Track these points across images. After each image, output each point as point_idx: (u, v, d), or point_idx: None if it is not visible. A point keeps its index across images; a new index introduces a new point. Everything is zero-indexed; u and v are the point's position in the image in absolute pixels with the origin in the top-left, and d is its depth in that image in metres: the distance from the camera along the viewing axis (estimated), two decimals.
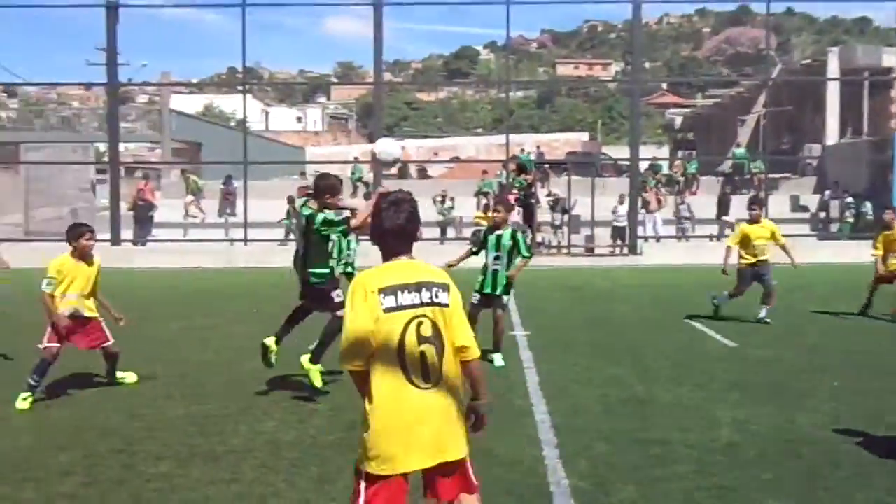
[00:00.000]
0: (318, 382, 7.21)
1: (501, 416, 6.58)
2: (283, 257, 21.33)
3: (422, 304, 3.28)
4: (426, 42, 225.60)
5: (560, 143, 49.77)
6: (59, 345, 7.19)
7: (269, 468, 5.39)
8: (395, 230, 3.39)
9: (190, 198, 28.99)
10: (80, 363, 8.68)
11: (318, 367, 7.22)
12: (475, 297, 8.70)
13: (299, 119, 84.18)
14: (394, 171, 35.95)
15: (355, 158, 35.58)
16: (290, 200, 22.22)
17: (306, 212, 7.32)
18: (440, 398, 3.24)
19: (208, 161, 38.47)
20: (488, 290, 8.79)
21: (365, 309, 3.20)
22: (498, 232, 8.82)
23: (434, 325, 3.29)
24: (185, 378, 8.19)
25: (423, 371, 3.23)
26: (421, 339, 3.24)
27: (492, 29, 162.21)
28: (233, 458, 5.59)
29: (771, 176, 29.11)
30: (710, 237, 25.75)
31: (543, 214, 24.86)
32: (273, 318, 12.07)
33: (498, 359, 8.67)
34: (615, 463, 5.47)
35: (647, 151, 34.41)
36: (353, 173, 32.67)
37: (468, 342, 3.35)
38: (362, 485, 3.19)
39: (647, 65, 75.25)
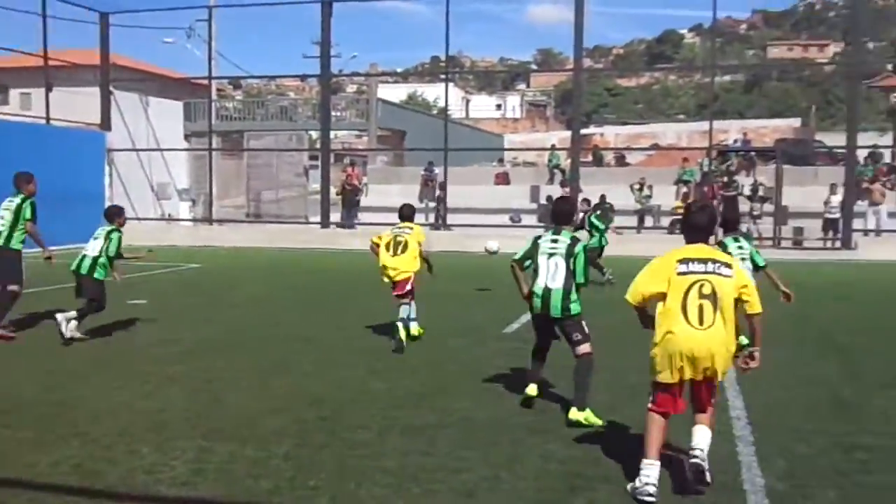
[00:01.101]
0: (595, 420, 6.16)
1: None
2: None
3: (705, 273, 4.77)
4: (629, 26, 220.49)
5: (769, 130, 47.23)
6: None
7: (463, 444, 5.60)
8: (696, 226, 5.00)
9: None
10: (290, 334, 9.38)
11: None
12: None
13: (499, 106, 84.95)
14: (590, 158, 35.64)
15: (552, 146, 35.52)
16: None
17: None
18: (709, 337, 4.66)
19: (411, 148, 39.73)
20: None
21: (660, 269, 4.87)
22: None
23: (713, 288, 4.72)
24: (389, 354, 8.60)
25: (699, 317, 4.68)
26: (701, 296, 4.71)
27: (699, 10, 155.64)
28: (429, 432, 5.86)
29: None
30: None
31: (744, 204, 23.80)
32: (472, 299, 12.37)
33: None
34: (815, 466, 5.23)
35: (866, 139, 31.93)
36: (549, 160, 32.69)
37: (751, 300, 4.93)
38: (659, 389, 4.78)
39: (870, 45, 69.69)
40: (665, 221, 25.51)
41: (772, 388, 7.11)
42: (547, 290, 6.37)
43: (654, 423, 4.76)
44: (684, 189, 26.65)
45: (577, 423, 6.01)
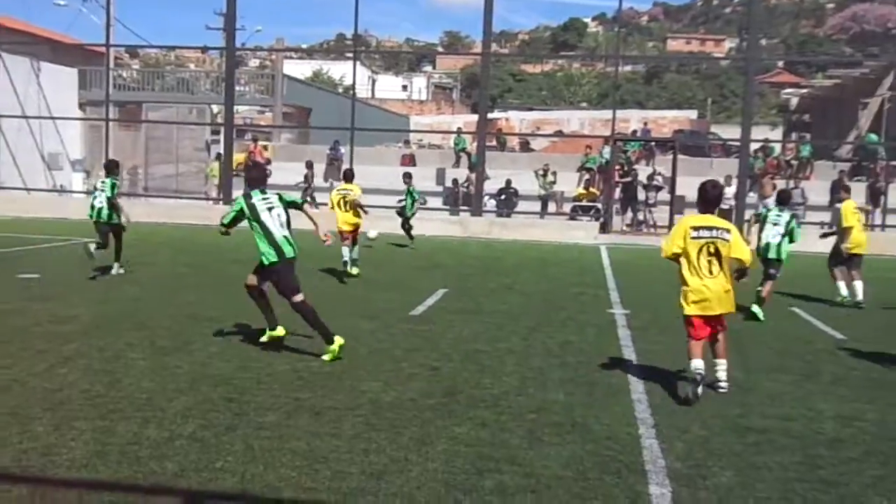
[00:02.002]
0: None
1: (598, 393, 6.65)
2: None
3: (710, 238, 6.67)
4: (535, 12, 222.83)
5: (667, 121, 48.63)
6: None
7: (371, 426, 5.60)
8: (710, 200, 6.88)
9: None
10: (193, 313, 9.17)
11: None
12: None
13: (405, 87, 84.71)
14: (493, 142, 35.97)
15: (458, 129, 35.67)
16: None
17: None
18: (716, 283, 6.63)
19: (316, 126, 39.22)
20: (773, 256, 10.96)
21: (679, 234, 6.73)
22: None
23: (717, 248, 6.65)
24: (292, 334, 8.49)
25: (708, 270, 6.64)
26: (708, 255, 6.65)
27: (602, 0, 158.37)
28: (336, 414, 5.83)
29: (893, 163, 27.78)
30: (822, 224, 24.84)
31: (640, 193, 24.50)
32: (378, 282, 12.32)
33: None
34: (713, 447, 5.46)
35: (759, 132, 33.28)
36: (456, 143, 32.82)
37: (743, 255, 6.81)
38: (688, 321, 6.74)
39: (763, 41, 72.50)
40: (568, 208, 25.98)
41: (670, 374, 7.36)
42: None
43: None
44: (587, 176, 27.17)
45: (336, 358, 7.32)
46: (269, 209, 7.66)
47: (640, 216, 24.24)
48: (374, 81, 78.00)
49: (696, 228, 6.70)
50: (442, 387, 6.67)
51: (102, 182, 12.48)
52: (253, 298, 7.86)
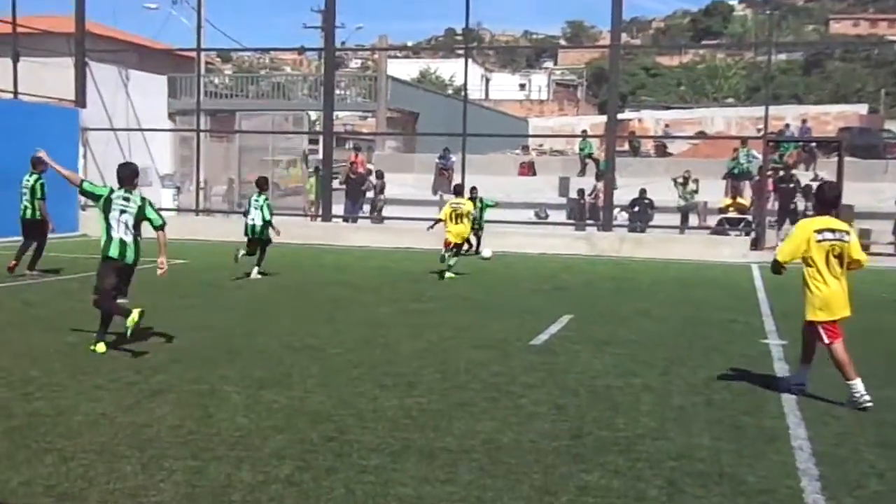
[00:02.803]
0: None
1: (750, 438, 6.46)
2: (509, 241, 21.79)
3: (834, 240, 7.37)
4: None
5: (831, 118, 47.03)
6: None
7: (486, 471, 5.60)
8: (828, 201, 7.68)
9: None
10: (285, 344, 9.42)
11: None
12: None
13: (522, 87, 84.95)
14: (626, 146, 35.64)
15: (584, 132, 35.50)
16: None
17: None
18: (842, 284, 7.41)
19: (424, 132, 39.75)
20: None
21: (802, 238, 7.43)
22: None
23: (841, 250, 7.37)
24: (398, 366, 8.62)
25: (834, 271, 7.37)
26: (835, 256, 7.37)
27: None
28: (448, 457, 5.86)
29: None
30: None
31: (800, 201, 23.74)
32: (495, 306, 12.40)
33: None
34: None
35: None
36: (581, 148, 32.68)
37: (859, 257, 7.49)
38: (821, 327, 7.46)
39: None
40: (712, 220, 25.42)
41: (840, 414, 7.07)
42: None
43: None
44: (734, 183, 26.53)
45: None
46: (121, 212, 9.09)
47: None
48: (487, 81, 78.57)
49: (819, 231, 7.41)
50: (568, 427, 6.62)
51: (256, 199, 15.61)
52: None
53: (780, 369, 8.94)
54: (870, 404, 7.16)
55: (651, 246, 21.89)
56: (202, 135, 27.59)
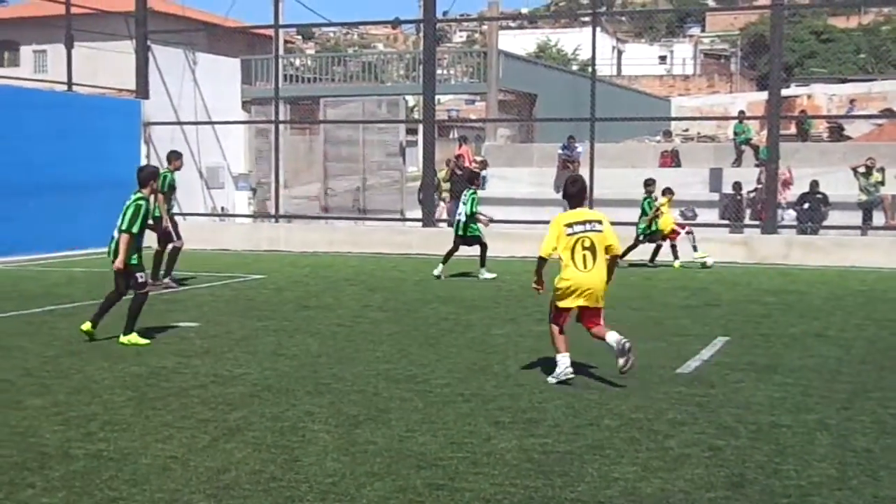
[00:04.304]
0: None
1: None
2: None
3: (584, 231, 9.22)
4: None
5: None
6: None
7: None
8: (574, 194, 9.47)
9: None
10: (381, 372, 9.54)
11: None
12: None
13: (663, 59, 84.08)
14: (792, 129, 34.88)
15: (740, 113, 34.91)
16: None
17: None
18: (592, 276, 9.24)
19: (544, 118, 39.68)
20: None
21: (555, 233, 9.25)
22: None
23: (592, 241, 9.21)
24: (517, 399, 8.64)
25: (584, 263, 9.20)
26: (584, 248, 9.21)
27: None
28: None
29: None
30: None
31: None
32: (634, 325, 12.36)
33: None
34: None
35: None
36: (737, 133, 32.14)
37: (612, 244, 9.38)
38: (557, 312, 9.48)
39: None
40: None
41: None
42: None
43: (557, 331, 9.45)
44: None
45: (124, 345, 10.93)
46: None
47: None
48: (620, 53, 78.07)
49: (568, 225, 9.27)
50: (725, 474, 6.52)
51: (464, 194, 18.23)
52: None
53: None
54: (572, 375, 9.21)
55: (825, 251, 21.36)
56: (281, 126, 28.05)
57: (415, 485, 6.30)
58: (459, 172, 26.98)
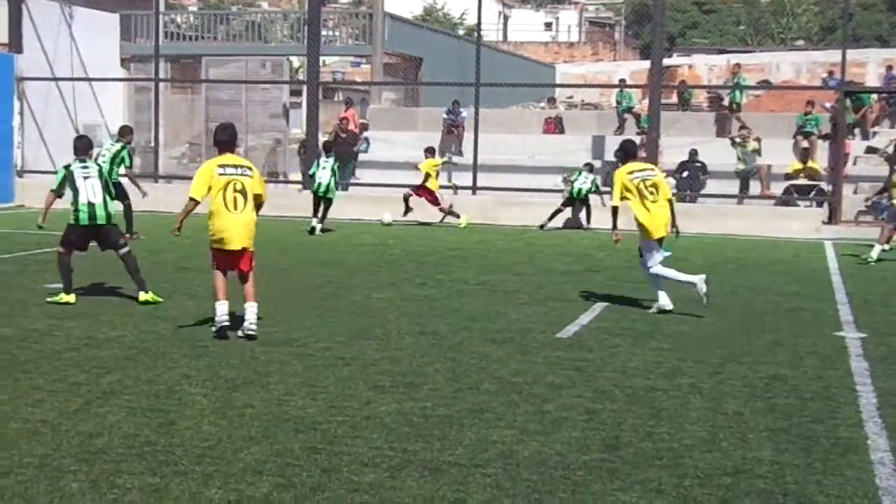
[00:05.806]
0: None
1: (820, 450, 6.47)
2: (523, 213, 21.79)
3: (236, 175, 9.83)
4: None
5: None
6: None
7: (503, 489, 5.63)
8: (224, 140, 10.18)
9: None
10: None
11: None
12: None
13: (548, 26, 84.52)
14: (672, 98, 35.48)
15: (622, 81, 35.34)
16: None
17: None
18: (242, 218, 9.80)
19: (429, 82, 39.58)
20: None
21: (206, 174, 9.88)
22: None
23: (243, 185, 9.83)
24: (397, 363, 8.66)
25: (234, 205, 9.74)
26: (235, 191, 9.76)
27: None
28: (457, 472, 5.89)
29: None
30: None
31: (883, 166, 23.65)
32: (512, 291, 12.43)
33: None
34: None
35: None
36: (619, 101, 32.53)
37: (260, 192, 10.06)
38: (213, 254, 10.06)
39: None
40: (778, 189, 25.33)
41: None
42: None
43: (218, 277, 9.92)
44: (805, 143, 26.40)
45: (146, 303, 11.34)
46: (85, 178, 11.46)
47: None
48: (506, 19, 78.21)
49: (220, 167, 9.86)
50: (601, 437, 6.64)
51: (325, 160, 20.21)
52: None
53: (858, 367, 8.93)
54: (226, 322, 9.72)
55: (703, 219, 21.80)
56: (161, 85, 27.50)
57: (292, 448, 6.27)
58: (343, 135, 26.80)
